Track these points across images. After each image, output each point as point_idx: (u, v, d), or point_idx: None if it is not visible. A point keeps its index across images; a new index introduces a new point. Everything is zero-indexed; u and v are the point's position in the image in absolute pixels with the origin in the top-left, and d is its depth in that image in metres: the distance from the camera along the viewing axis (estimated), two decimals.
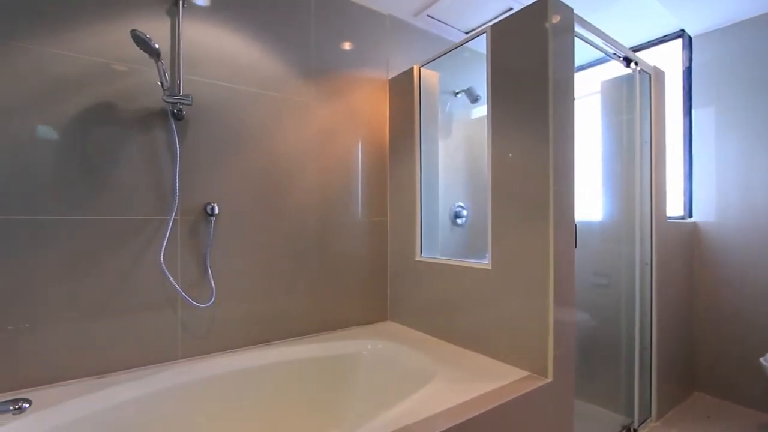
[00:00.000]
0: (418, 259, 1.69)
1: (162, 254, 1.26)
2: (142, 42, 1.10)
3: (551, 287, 1.17)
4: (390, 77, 1.85)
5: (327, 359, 1.51)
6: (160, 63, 1.17)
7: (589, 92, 1.94)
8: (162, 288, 1.29)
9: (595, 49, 1.50)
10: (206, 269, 1.36)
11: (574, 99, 1.25)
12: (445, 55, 1.65)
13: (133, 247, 1.25)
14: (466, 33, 2.05)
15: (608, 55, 1.60)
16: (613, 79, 1.79)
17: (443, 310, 1.55)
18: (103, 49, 1.20)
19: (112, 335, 1.22)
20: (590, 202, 1.81)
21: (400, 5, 1.81)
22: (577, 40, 1.30)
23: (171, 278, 1.29)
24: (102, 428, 1.07)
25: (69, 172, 1.16)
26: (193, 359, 1.34)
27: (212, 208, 1.36)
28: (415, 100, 1.71)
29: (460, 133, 2.11)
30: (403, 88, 1.77)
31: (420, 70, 1.71)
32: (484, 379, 1.18)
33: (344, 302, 1.72)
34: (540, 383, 1.16)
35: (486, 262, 1.36)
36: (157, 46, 1.12)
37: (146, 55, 1.19)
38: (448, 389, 1.12)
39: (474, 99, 2.04)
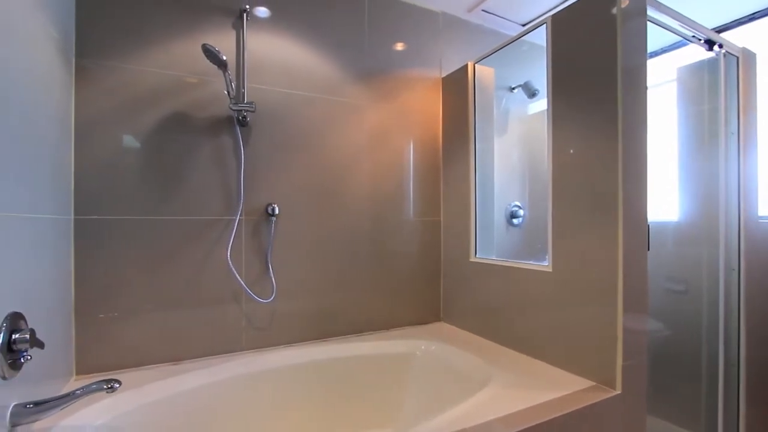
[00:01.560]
0: (472, 259, 1.65)
1: (229, 252, 1.35)
2: (211, 55, 1.18)
3: (620, 292, 1.09)
4: (443, 75, 1.83)
5: (380, 357, 1.52)
6: (227, 74, 1.25)
7: (663, 80, 1.77)
8: (228, 283, 1.38)
9: (671, 33, 1.36)
10: (267, 266, 1.44)
11: (646, 89, 1.15)
12: (500, 50, 1.59)
13: (204, 245, 1.35)
14: (523, 25, 1.97)
15: (686, 39, 1.45)
16: (691, 64, 1.62)
17: (499, 313, 1.50)
18: (177, 63, 1.31)
19: (185, 326, 1.33)
20: (664, 200, 1.66)
21: (454, 2, 1.78)
22: (649, 24, 1.19)
23: (237, 274, 1.38)
24: (177, 410, 1.17)
25: (149, 177, 1.28)
26: (255, 351, 1.42)
27: (273, 209, 1.43)
28: (470, 97, 1.67)
29: (516, 130, 2.03)
30: (457, 86, 1.74)
31: (474, 66, 1.67)
32: (544, 387, 1.13)
33: (397, 302, 1.73)
34: (607, 395, 1.08)
35: (546, 264, 1.30)
36: (224, 57, 1.20)
37: (214, 67, 1.28)
38: (505, 395, 1.08)
39: (531, 94, 1.95)
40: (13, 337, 0.79)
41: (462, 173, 1.70)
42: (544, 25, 1.31)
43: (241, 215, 1.39)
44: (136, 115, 1.26)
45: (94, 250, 1.20)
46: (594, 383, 1.14)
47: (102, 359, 1.22)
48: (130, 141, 1.26)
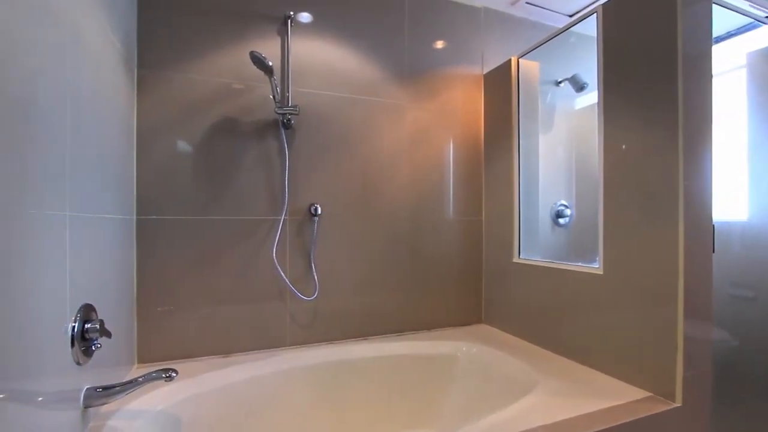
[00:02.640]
0: (516, 260, 1.60)
1: (274, 251, 1.40)
2: (258, 61, 1.23)
3: (681, 297, 1.01)
4: (485, 72, 1.79)
5: (421, 358, 1.52)
6: (272, 79, 1.30)
7: (730, 67, 1.63)
8: (274, 281, 1.43)
9: (740, 15, 1.25)
10: (311, 265, 1.48)
11: (711, 77, 1.07)
12: (546, 43, 1.53)
13: (250, 244, 1.41)
14: (571, 16, 1.89)
15: (758, 21, 1.32)
16: (764, 49, 1.48)
17: (545, 316, 1.45)
18: (226, 70, 1.38)
19: (234, 320, 1.39)
20: (730, 198, 1.52)
21: None
22: (714, 7, 1.10)
23: (282, 273, 1.43)
24: (228, 400, 1.23)
25: (201, 179, 1.35)
26: (298, 347, 1.47)
27: (315, 209, 1.46)
28: (513, 93, 1.62)
29: (562, 126, 1.94)
30: (500, 82, 1.69)
31: (518, 61, 1.62)
32: (594, 395, 1.07)
33: (438, 302, 1.71)
34: (665, 407, 1.01)
35: (597, 266, 1.24)
36: (270, 63, 1.24)
37: (261, 73, 1.33)
38: (551, 402, 1.04)
39: (579, 87, 1.86)
40: (86, 326, 0.87)
41: (505, 172, 1.66)
42: (594, 14, 1.25)
43: (285, 215, 1.44)
44: (189, 121, 1.34)
45: (152, 248, 1.29)
46: (650, 394, 1.07)
47: (160, 349, 1.31)
48: (183, 146, 1.34)
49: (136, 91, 1.28)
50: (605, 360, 1.21)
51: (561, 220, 1.85)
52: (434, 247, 1.70)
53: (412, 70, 1.66)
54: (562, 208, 1.85)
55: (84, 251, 0.89)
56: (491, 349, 1.47)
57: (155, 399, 1.08)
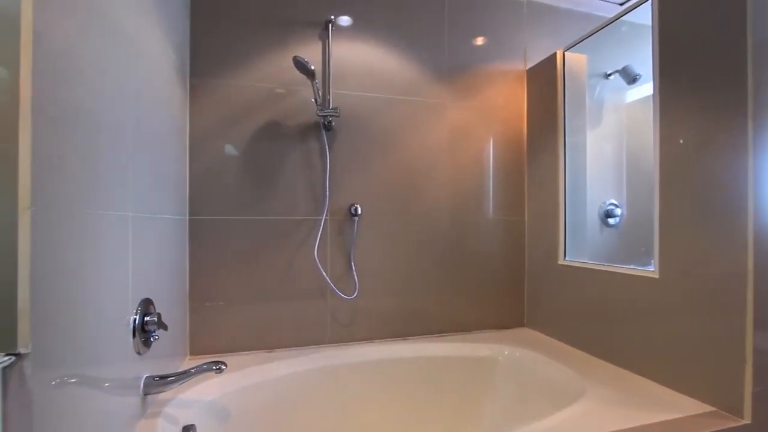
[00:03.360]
0: (561, 262, 1.54)
1: (315, 250, 1.44)
2: (301, 65, 1.26)
3: (750, 306, 0.93)
4: (528, 67, 1.73)
5: (461, 360, 1.49)
6: (314, 82, 1.33)
7: None
8: (315, 280, 1.47)
9: None
10: (350, 265, 1.50)
11: None
12: (594, 35, 1.46)
13: (293, 243, 1.45)
14: (622, 4, 1.78)
15: None
16: None
17: (593, 321, 1.38)
18: (269, 76, 1.43)
19: (277, 317, 1.44)
20: None
21: None
22: None
23: (323, 271, 1.46)
24: (272, 394, 1.27)
25: (246, 181, 1.41)
26: (339, 345, 1.49)
27: (356, 209, 1.48)
28: (558, 88, 1.56)
29: (612, 121, 1.84)
30: (544, 77, 1.63)
31: (564, 54, 1.56)
32: (649, 407, 1.01)
33: (478, 304, 1.68)
34: (732, 423, 0.93)
35: (652, 270, 1.16)
36: (312, 67, 1.28)
37: (302, 77, 1.36)
38: (601, 412, 0.99)
39: (632, 79, 1.75)
40: (146, 319, 0.93)
41: (549, 170, 1.60)
42: (649, 1, 1.17)
43: (326, 215, 1.47)
44: (236, 126, 1.40)
45: (203, 246, 1.37)
46: (713, 408, 0.99)
47: (209, 343, 1.38)
48: (231, 149, 1.40)
49: (188, 99, 1.35)
50: (661, 369, 1.13)
51: (610, 220, 1.76)
52: (475, 248, 1.67)
53: (452, 68, 1.64)
54: (612, 207, 1.76)
55: (144, 249, 0.96)
56: (535, 354, 1.42)
57: (206, 390, 1.14)
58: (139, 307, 0.91)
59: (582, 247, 1.59)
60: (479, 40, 1.67)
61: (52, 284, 0.59)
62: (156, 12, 1.05)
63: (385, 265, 1.56)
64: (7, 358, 0.52)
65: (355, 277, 1.50)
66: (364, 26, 1.53)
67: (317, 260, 1.45)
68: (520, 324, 1.74)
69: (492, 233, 1.69)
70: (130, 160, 0.88)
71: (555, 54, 1.57)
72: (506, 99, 1.72)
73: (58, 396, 0.60)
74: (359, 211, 1.49)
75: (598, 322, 1.35)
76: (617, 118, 1.84)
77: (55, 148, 0.59)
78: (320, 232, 1.46)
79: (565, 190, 1.55)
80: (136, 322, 0.90)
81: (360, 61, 1.52)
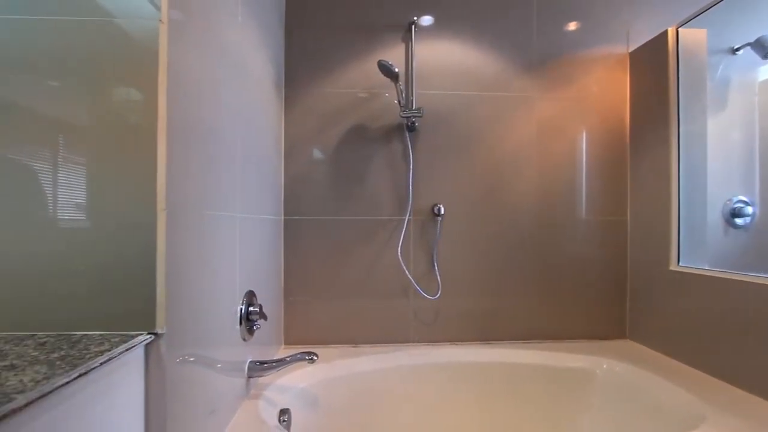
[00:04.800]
0: (673, 268, 1.35)
1: (399, 249, 1.46)
2: (385, 68, 1.29)
3: None
4: (631, 50, 1.55)
5: (551, 370, 1.40)
6: (398, 84, 1.35)
7: None
8: (398, 278, 1.49)
9: None
10: (433, 265, 1.49)
11: None
12: (717, 4, 1.26)
13: (377, 243, 1.49)
14: None
15: None
16: None
17: (715, 337, 1.19)
18: (355, 82, 1.49)
19: (362, 313, 1.49)
20: None
21: None
22: None
23: (406, 270, 1.47)
24: (356, 387, 1.32)
25: (333, 183, 1.48)
26: (422, 345, 1.50)
27: (439, 209, 1.47)
28: (670, 70, 1.37)
29: (740, 103, 1.57)
30: (652, 59, 1.45)
31: (677, 31, 1.37)
32: None
33: (571, 311, 1.55)
34: None
35: None
36: (396, 69, 1.30)
37: (386, 80, 1.39)
38: None
39: (767, 53, 1.48)
40: (250, 309, 1.03)
41: (659, 163, 1.41)
42: None
43: (409, 215, 1.49)
44: (324, 131, 1.48)
45: (295, 244, 1.47)
46: None
47: (301, 334, 1.48)
48: (320, 153, 1.49)
49: (283, 108, 1.47)
50: None
51: (738, 221, 1.50)
52: (566, 250, 1.55)
53: (542, 58, 1.54)
54: (741, 205, 1.49)
55: (248, 246, 1.06)
56: (640, 370, 1.27)
57: (300, 377, 1.23)
58: (244, 298, 1.02)
59: (700, 252, 1.38)
60: (572, 26, 1.54)
61: (180, 275, 0.68)
62: (259, 34, 1.16)
63: (468, 266, 1.52)
64: (148, 336, 0.61)
65: (438, 277, 1.49)
66: (446, 24, 1.51)
67: (401, 259, 1.47)
68: (620, 335, 1.57)
69: (586, 235, 1.55)
70: (238, 166, 0.98)
71: (666, 32, 1.38)
72: (604, 87, 1.56)
73: (181, 371, 0.70)
74: (442, 211, 1.48)
75: (722, 338, 1.16)
76: (747, 100, 1.56)
77: (182, 158, 0.69)
78: (404, 232, 1.48)
79: (678, 186, 1.36)
80: (242, 311, 1.00)
81: (442, 59, 1.51)
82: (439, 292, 1.48)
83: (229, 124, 0.92)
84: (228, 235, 0.92)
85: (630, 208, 1.56)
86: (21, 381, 0.43)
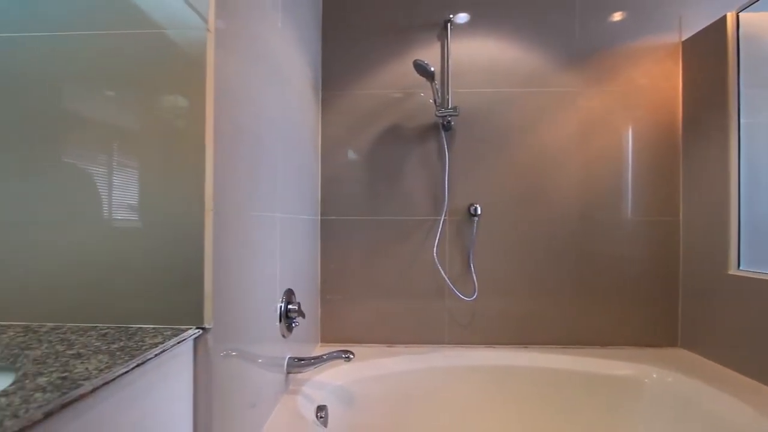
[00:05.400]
0: (732, 272, 1.25)
1: (435, 250, 1.45)
2: (421, 68, 1.29)
3: None
4: (684, 38, 1.46)
5: (593, 377, 1.34)
6: (433, 83, 1.34)
7: None
8: (434, 279, 1.48)
9: None
10: (469, 266, 1.47)
11: None
12: None
13: (413, 243, 1.49)
14: None
15: None
16: None
17: None
18: (390, 82, 1.49)
19: (396, 313, 1.50)
20: None
21: None
22: None
23: (442, 271, 1.46)
24: (391, 386, 1.32)
25: (370, 183, 1.50)
26: (457, 346, 1.48)
27: (475, 209, 1.45)
28: (730, 58, 1.27)
29: None
30: (708, 48, 1.35)
31: (737, 16, 1.27)
32: None
33: (616, 316, 1.48)
34: None
35: None
36: (432, 69, 1.29)
37: (421, 80, 1.39)
38: None
39: None
40: (289, 306, 1.06)
41: (716, 159, 1.31)
42: None
43: (445, 215, 1.47)
44: (360, 132, 1.50)
45: (331, 244, 1.50)
46: None
47: (336, 332, 1.51)
48: (355, 154, 1.51)
49: (320, 110, 1.50)
50: None
51: None
52: (610, 252, 1.47)
53: (584, 51, 1.47)
54: None
55: (287, 245, 1.09)
56: (694, 381, 1.19)
57: (335, 375, 1.25)
58: (283, 296, 1.05)
59: (763, 255, 1.27)
60: (617, 16, 1.47)
61: (225, 272, 0.71)
62: (297, 39, 1.19)
63: (505, 268, 1.48)
64: (197, 330, 0.64)
65: (474, 278, 1.46)
66: (481, 20, 1.48)
67: (436, 260, 1.46)
68: (672, 343, 1.47)
69: (633, 236, 1.47)
70: (278, 168, 1.01)
71: (724, 18, 1.29)
72: (653, 79, 1.47)
73: (225, 365, 0.73)
74: (479, 211, 1.46)
75: None
76: None
77: (227, 161, 0.72)
78: (439, 232, 1.46)
79: (738, 183, 1.26)
80: (282, 309, 1.03)
81: (478, 56, 1.48)
82: (476, 293, 1.46)
83: (269, 128, 0.95)
84: (269, 234, 0.95)
85: (683, 208, 1.46)
86: (87, 369, 0.46)
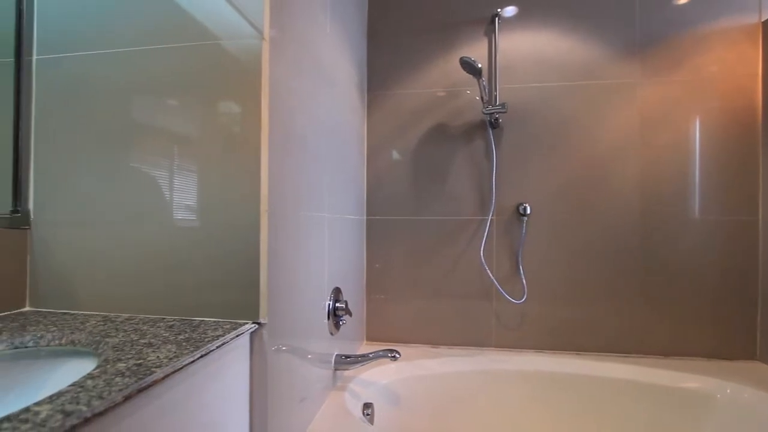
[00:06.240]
0: None
1: (481, 250, 1.42)
2: (467, 65, 1.26)
3: None
4: (765, 18, 1.31)
5: (655, 389, 1.24)
6: (480, 80, 1.31)
7: None
8: (480, 280, 1.45)
9: None
10: (518, 267, 1.42)
11: None
12: None
13: (459, 243, 1.46)
14: None
15: None
16: None
17: None
18: (436, 81, 1.48)
19: (441, 314, 1.48)
20: None
21: None
22: None
23: (489, 272, 1.43)
24: (438, 387, 1.31)
25: (415, 183, 1.49)
26: (504, 350, 1.44)
27: (524, 208, 1.40)
28: None
29: None
30: None
31: None
32: None
33: (682, 324, 1.36)
34: None
35: None
36: (479, 65, 1.26)
37: (467, 77, 1.36)
38: None
39: None
40: (336, 305, 1.09)
41: None
42: None
43: (492, 215, 1.43)
44: (405, 132, 1.50)
45: (376, 243, 1.51)
46: None
47: (381, 331, 1.52)
48: (400, 154, 1.51)
49: (366, 110, 1.52)
50: None
51: None
52: (677, 254, 1.36)
53: (646, 38, 1.37)
54: None
55: (335, 244, 1.12)
56: None
57: (381, 374, 1.26)
58: (331, 294, 1.08)
59: None
60: None
61: (278, 270, 0.74)
62: (344, 42, 1.21)
63: (557, 270, 1.42)
64: (253, 325, 0.68)
65: (524, 281, 1.41)
66: (531, 13, 1.43)
67: (483, 261, 1.43)
68: (749, 356, 1.34)
69: (701, 237, 1.35)
70: (326, 170, 1.04)
71: None
72: (726, 66, 1.34)
73: (278, 359, 0.76)
74: (528, 211, 1.40)
75: None
76: None
77: (280, 164, 0.75)
78: (486, 232, 1.43)
79: None
80: (330, 306, 1.06)
81: (528, 50, 1.43)
82: (525, 296, 1.41)
83: (318, 130, 0.98)
84: (318, 233, 0.97)
85: (762, 206, 1.32)
86: (158, 357, 0.50)
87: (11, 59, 0.76)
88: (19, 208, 0.77)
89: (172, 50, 0.73)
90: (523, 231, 1.42)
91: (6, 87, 0.76)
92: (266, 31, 0.69)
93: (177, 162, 0.73)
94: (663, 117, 1.37)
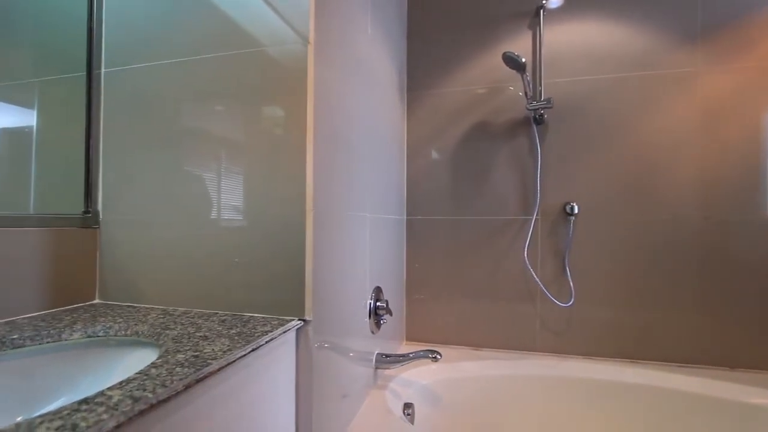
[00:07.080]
0: None
1: (525, 251, 1.38)
2: (511, 60, 1.23)
3: None
4: None
5: (721, 403, 1.15)
6: (524, 75, 1.27)
7: None
8: (524, 282, 1.40)
9: None
10: (565, 268, 1.36)
11: None
12: None
13: (502, 243, 1.43)
14: None
15: None
16: None
17: None
18: (477, 78, 1.45)
19: (483, 316, 1.45)
20: None
21: None
22: None
23: (533, 274, 1.38)
24: (480, 390, 1.29)
25: (456, 182, 1.47)
26: (549, 355, 1.38)
27: (571, 208, 1.34)
28: None
29: None
30: None
31: None
32: None
33: (750, 333, 1.25)
34: None
35: None
36: (523, 60, 1.22)
37: (510, 73, 1.32)
38: None
39: None
40: (377, 304, 1.09)
41: None
42: None
43: (537, 215, 1.39)
44: (446, 130, 1.48)
45: (416, 243, 1.51)
46: None
47: (421, 332, 1.51)
48: (441, 153, 1.49)
49: (406, 111, 1.52)
50: None
51: None
52: (742, 257, 1.24)
53: (710, 23, 1.27)
54: None
55: (376, 244, 1.13)
56: None
57: (421, 374, 1.25)
58: (372, 293, 1.08)
59: None
60: None
61: (322, 269, 0.76)
62: (385, 43, 1.22)
63: (608, 272, 1.34)
64: (299, 321, 0.70)
65: (571, 283, 1.35)
66: (578, 2, 1.36)
67: (527, 262, 1.38)
68: None
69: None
70: (368, 170, 1.05)
71: None
72: None
73: (321, 356, 0.77)
74: (576, 210, 1.34)
75: None
76: None
77: (324, 165, 0.76)
78: (530, 233, 1.38)
79: None
80: (371, 305, 1.07)
81: (575, 42, 1.37)
82: (572, 299, 1.35)
83: (359, 130, 0.99)
84: (360, 233, 0.99)
85: None
86: (213, 350, 0.53)
87: (83, 73, 0.83)
88: (90, 209, 0.84)
89: (221, 58, 0.77)
90: (570, 231, 1.36)
91: (79, 98, 0.83)
92: (311, 35, 0.71)
93: (225, 165, 0.77)
94: (727, 109, 1.26)
